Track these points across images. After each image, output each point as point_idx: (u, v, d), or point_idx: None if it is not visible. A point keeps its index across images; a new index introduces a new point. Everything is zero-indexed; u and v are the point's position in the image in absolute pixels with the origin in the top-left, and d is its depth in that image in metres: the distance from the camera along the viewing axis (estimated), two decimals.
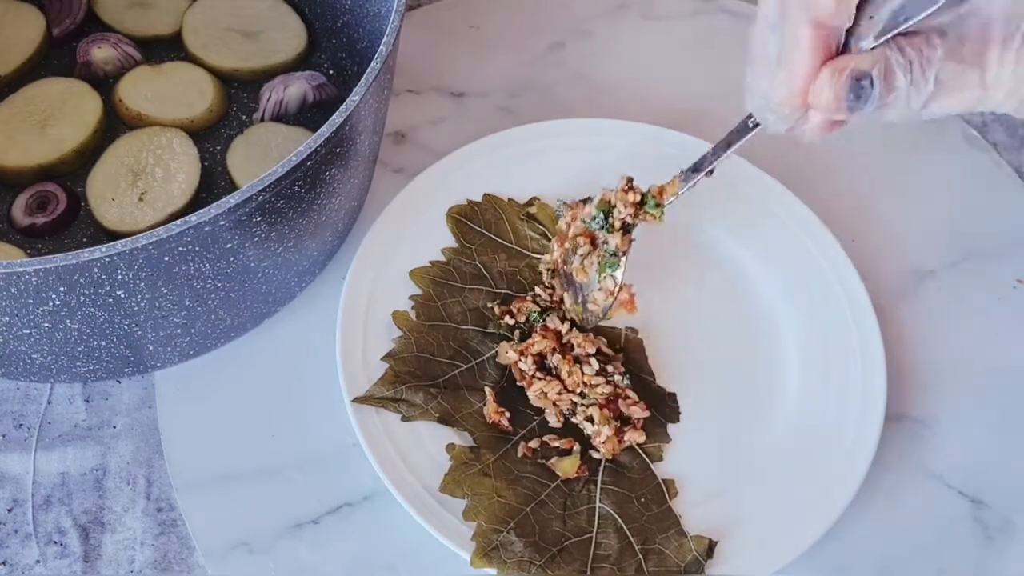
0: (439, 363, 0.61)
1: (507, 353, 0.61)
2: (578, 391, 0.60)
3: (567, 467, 0.58)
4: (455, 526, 0.56)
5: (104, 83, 0.69)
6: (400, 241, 0.64)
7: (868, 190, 0.71)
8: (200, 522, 0.58)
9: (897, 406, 0.62)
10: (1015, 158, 0.73)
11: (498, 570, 0.55)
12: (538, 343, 0.60)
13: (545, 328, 0.61)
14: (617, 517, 0.57)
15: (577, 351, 0.61)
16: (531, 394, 0.60)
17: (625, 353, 0.62)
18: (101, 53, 0.69)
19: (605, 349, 0.61)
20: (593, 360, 0.60)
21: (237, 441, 0.60)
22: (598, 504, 0.57)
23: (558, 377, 0.60)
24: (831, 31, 0.46)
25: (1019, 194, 0.71)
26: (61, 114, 0.66)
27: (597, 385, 0.60)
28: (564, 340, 0.61)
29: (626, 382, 0.60)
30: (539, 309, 0.62)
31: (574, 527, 0.57)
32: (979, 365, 0.64)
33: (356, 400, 0.59)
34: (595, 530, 0.57)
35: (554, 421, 0.60)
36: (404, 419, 0.59)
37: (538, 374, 0.60)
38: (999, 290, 0.67)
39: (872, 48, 0.46)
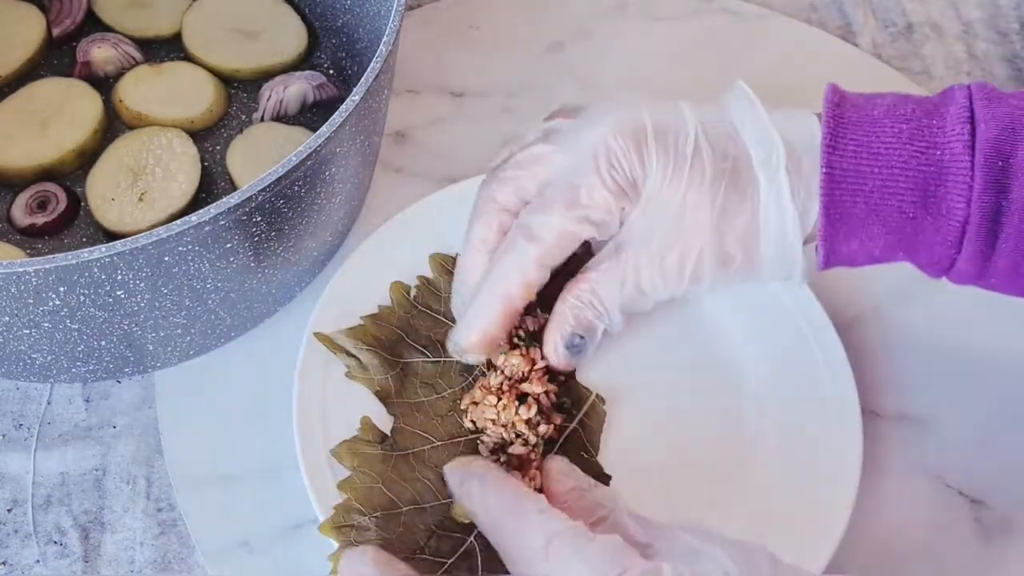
0: (408, 346, 0.60)
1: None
2: (508, 426, 0.57)
3: (460, 512, 0.53)
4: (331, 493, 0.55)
5: (104, 83, 0.69)
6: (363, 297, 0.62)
7: None
8: (200, 522, 0.57)
9: (897, 406, 0.62)
10: None
11: (339, 545, 0.53)
12: (513, 364, 0.58)
13: (524, 353, 0.58)
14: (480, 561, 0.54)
15: (526, 387, 0.57)
16: (476, 410, 0.58)
17: (582, 421, 0.58)
18: (101, 53, 0.69)
19: (551, 413, 0.57)
20: (533, 407, 0.56)
21: (237, 441, 0.60)
22: (473, 540, 0.54)
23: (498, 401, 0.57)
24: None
25: None
26: (61, 114, 0.66)
27: (519, 436, 0.56)
28: (526, 375, 0.58)
29: (540, 448, 0.56)
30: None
31: (435, 548, 0.54)
32: (979, 365, 0.64)
33: (317, 335, 0.59)
34: (450, 560, 0.54)
35: (484, 451, 0.57)
36: (348, 375, 0.59)
37: (489, 397, 0.57)
38: (906, 264, 0.66)
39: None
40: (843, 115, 0.51)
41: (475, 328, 0.55)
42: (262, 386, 0.61)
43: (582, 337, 0.55)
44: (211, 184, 0.66)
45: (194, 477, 0.59)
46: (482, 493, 0.48)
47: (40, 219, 0.63)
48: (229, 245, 0.53)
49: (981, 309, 0.67)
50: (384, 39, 0.55)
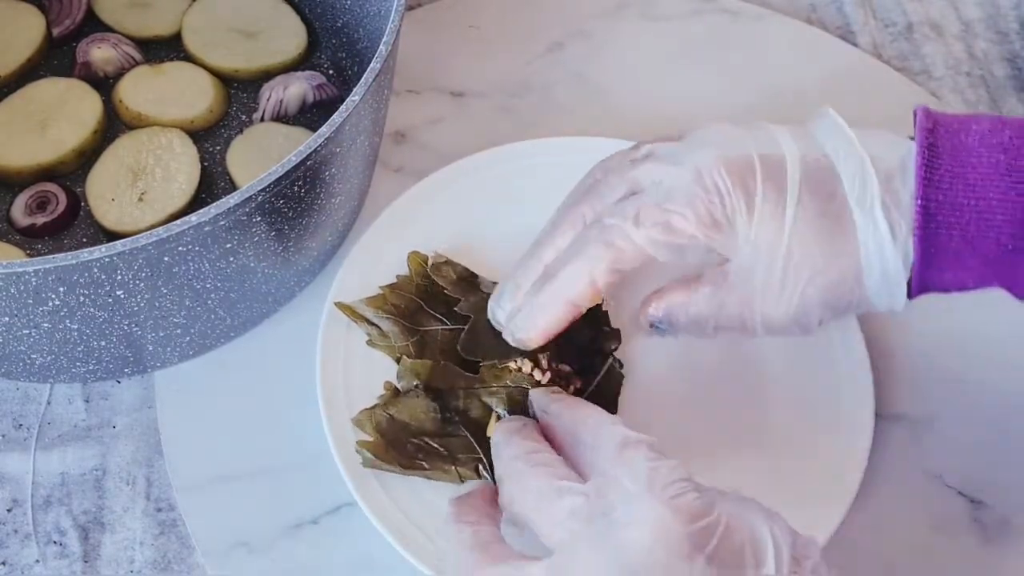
0: (427, 314, 0.61)
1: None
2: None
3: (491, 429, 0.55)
4: (421, 543, 0.55)
5: (104, 83, 0.69)
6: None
7: None
8: (200, 522, 0.58)
9: (897, 406, 0.62)
10: None
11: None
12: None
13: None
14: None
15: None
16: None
17: (598, 385, 0.59)
18: (101, 53, 0.69)
19: (570, 377, 0.58)
20: (548, 374, 0.57)
21: (237, 441, 0.60)
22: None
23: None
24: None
25: None
26: (61, 114, 0.66)
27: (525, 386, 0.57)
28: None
29: None
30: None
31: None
32: (978, 364, 0.64)
33: (337, 304, 0.60)
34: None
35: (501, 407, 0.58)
36: (369, 343, 0.60)
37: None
38: (999, 289, 0.67)
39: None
40: (936, 143, 0.49)
41: (537, 326, 0.54)
42: (262, 386, 0.61)
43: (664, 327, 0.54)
44: (211, 184, 0.66)
45: (194, 477, 0.59)
46: (559, 409, 0.51)
47: (40, 219, 0.64)
48: (229, 245, 0.53)
49: (981, 309, 0.67)
50: (384, 39, 0.55)
